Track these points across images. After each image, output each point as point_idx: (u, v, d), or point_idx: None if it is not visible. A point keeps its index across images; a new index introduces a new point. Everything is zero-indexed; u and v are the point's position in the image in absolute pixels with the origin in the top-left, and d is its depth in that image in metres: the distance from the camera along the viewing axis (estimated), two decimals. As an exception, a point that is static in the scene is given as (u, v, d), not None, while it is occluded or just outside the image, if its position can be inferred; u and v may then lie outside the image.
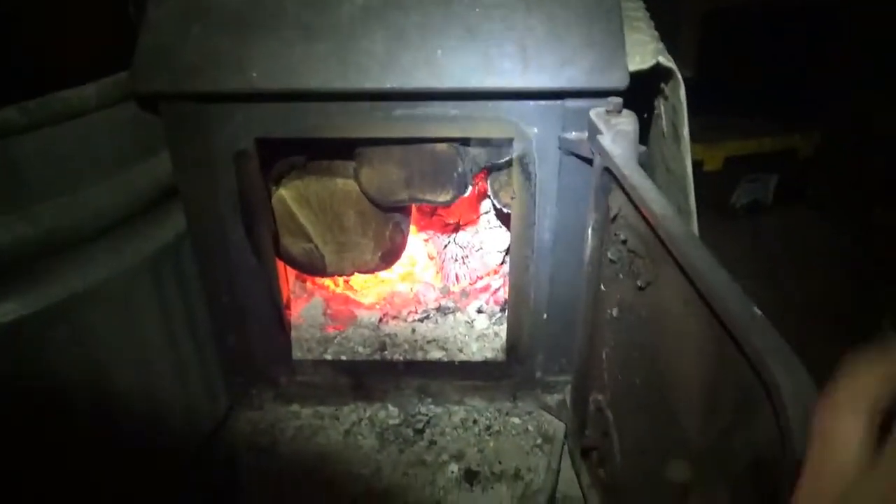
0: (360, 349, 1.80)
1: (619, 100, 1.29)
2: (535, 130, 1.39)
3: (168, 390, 1.61)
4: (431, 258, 2.04)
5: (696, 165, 1.47)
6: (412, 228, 2.00)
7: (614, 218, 1.19)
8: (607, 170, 1.18)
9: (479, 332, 1.86)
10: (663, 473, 0.82)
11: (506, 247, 1.93)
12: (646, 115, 1.59)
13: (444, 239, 2.01)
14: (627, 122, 1.27)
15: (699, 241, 0.90)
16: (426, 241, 2.04)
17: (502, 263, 1.99)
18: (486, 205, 1.98)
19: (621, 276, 1.18)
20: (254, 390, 1.77)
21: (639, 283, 1.08)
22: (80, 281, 1.35)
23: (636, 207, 1.06)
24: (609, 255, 1.23)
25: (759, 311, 0.77)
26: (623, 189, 1.11)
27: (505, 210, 1.69)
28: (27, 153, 1.21)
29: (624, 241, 1.14)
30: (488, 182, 1.70)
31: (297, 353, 1.77)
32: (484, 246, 1.98)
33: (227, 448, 1.75)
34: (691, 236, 0.91)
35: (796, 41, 3.76)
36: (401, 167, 1.53)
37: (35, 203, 1.25)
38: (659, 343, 1.04)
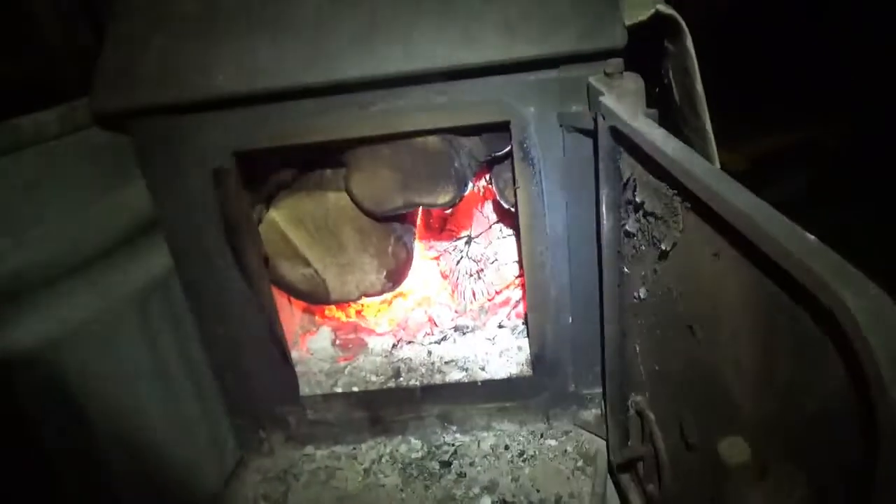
0: (373, 378, 1.65)
1: (618, 60, 1.16)
2: (532, 109, 1.27)
3: (167, 443, 1.47)
4: (444, 277, 1.90)
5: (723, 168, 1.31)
6: (419, 247, 1.87)
7: (626, 184, 1.04)
8: (613, 130, 1.04)
9: (502, 348, 1.70)
10: (720, 461, 0.65)
11: (522, 254, 1.78)
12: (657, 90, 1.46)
13: (455, 255, 1.87)
14: (630, 81, 1.14)
15: (722, 172, 0.75)
16: (436, 258, 1.90)
17: (520, 275, 1.84)
18: (495, 214, 1.84)
19: (643, 247, 1.03)
20: (262, 434, 1.63)
21: (662, 246, 0.92)
22: (55, 323, 1.25)
23: (647, 159, 0.91)
24: (627, 227, 1.08)
25: (810, 235, 0.61)
26: (632, 144, 0.96)
27: (514, 210, 1.55)
28: (-19, 184, 1.13)
29: (640, 206, 0.99)
30: (492, 181, 1.57)
31: (304, 389, 1.62)
32: (499, 257, 1.83)
33: (237, 503, 1.59)
34: (712, 169, 0.76)
35: (811, 30, 3.61)
36: (392, 170, 1.42)
37: (-5, 238, 1.16)
38: (693, 311, 0.87)
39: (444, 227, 1.90)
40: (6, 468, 1.18)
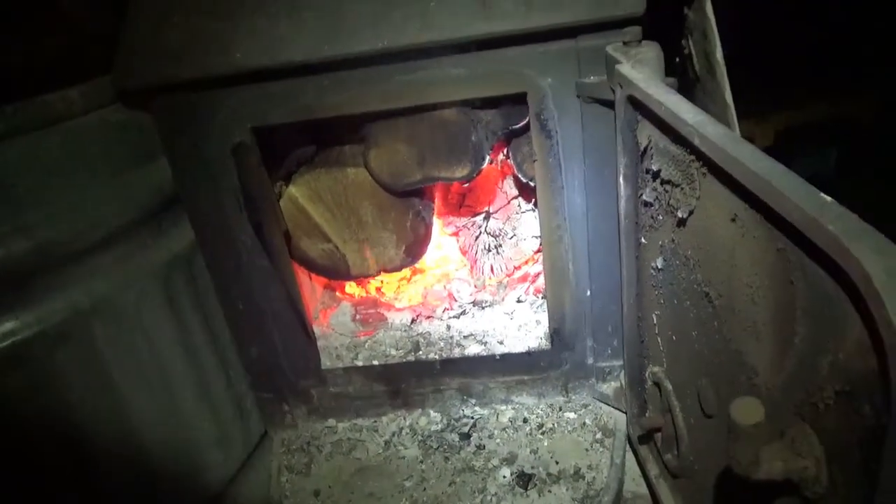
0: (393, 352, 1.67)
1: (637, 28, 1.15)
2: (549, 80, 1.26)
3: (194, 416, 1.50)
4: (463, 252, 1.90)
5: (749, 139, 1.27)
6: (438, 223, 1.87)
7: (644, 152, 1.04)
8: (631, 98, 1.04)
9: (520, 322, 1.70)
10: (732, 422, 0.65)
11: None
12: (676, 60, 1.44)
13: (473, 230, 1.87)
14: (648, 49, 1.12)
15: (739, 137, 0.74)
16: (455, 234, 1.91)
17: (539, 250, 1.83)
18: (514, 189, 1.84)
19: (660, 216, 1.02)
20: (286, 407, 1.66)
21: (679, 214, 0.92)
22: (83, 296, 1.28)
23: (664, 126, 0.91)
24: (644, 198, 1.07)
25: (826, 196, 0.61)
26: (649, 112, 0.96)
27: (532, 184, 1.54)
28: (9, 160, 1.15)
29: (657, 174, 0.98)
30: (510, 155, 1.57)
31: (326, 363, 1.65)
32: (517, 232, 1.83)
33: (262, 474, 1.63)
34: (730, 134, 0.75)
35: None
36: (410, 144, 1.42)
37: (25, 213, 1.18)
38: (710, 278, 0.87)
39: (462, 203, 1.90)
40: (40, 436, 1.23)
